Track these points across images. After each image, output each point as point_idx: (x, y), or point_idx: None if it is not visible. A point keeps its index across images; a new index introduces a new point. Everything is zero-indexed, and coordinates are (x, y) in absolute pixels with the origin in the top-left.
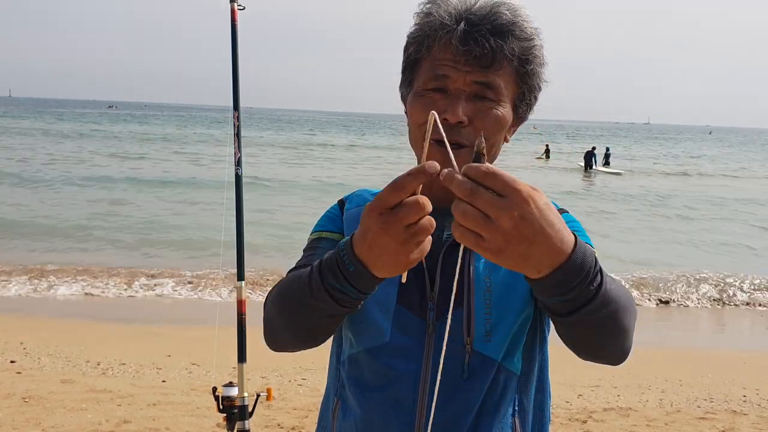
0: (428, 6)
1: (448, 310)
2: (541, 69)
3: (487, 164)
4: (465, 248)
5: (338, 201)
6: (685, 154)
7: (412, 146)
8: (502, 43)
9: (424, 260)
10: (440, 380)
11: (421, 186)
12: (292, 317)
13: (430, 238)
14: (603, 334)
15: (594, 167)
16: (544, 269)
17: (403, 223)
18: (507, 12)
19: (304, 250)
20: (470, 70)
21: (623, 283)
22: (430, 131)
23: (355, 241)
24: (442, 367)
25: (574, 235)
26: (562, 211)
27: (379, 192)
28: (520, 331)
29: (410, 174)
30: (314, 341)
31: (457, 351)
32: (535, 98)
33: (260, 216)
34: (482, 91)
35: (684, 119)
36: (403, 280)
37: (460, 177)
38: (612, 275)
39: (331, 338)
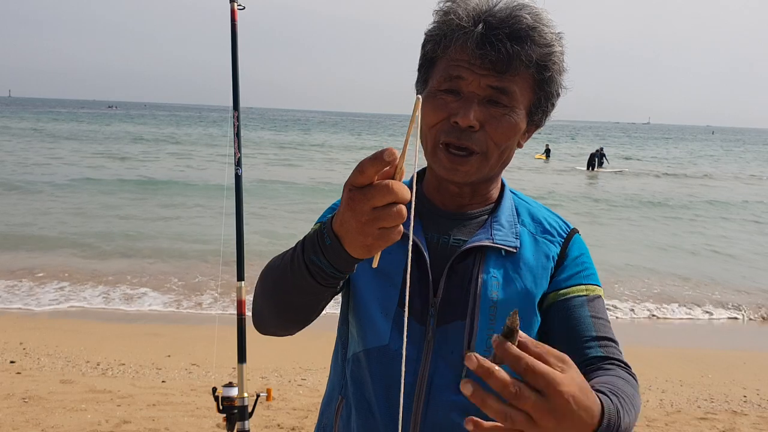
0: (448, 4)
1: (449, 319)
2: (560, 76)
3: (527, 358)
4: (475, 260)
5: None
6: (692, 154)
7: (422, 142)
8: (519, 49)
9: (429, 265)
10: (438, 390)
11: (403, 174)
12: (273, 293)
13: (400, 228)
14: None
15: (595, 168)
16: None
17: (369, 203)
18: (528, 16)
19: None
20: (485, 73)
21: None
22: (416, 117)
23: (334, 215)
24: (441, 378)
25: (601, 401)
26: (573, 232)
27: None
28: None
29: (371, 158)
30: (295, 321)
31: (456, 363)
32: (552, 105)
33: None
34: (496, 96)
35: (684, 119)
36: (374, 264)
37: (502, 375)
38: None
39: (335, 336)
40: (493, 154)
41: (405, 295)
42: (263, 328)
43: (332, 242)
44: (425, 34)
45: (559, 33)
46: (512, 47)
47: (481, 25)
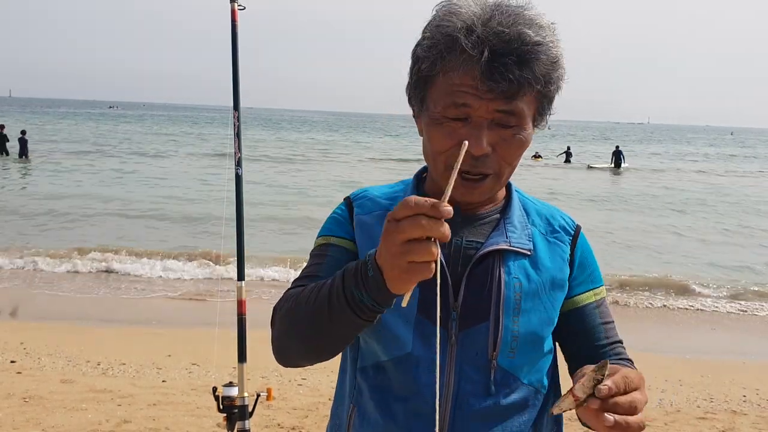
0: (441, 21)
1: (472, 322)
2: (562, 81)
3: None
4: (494, 261)
5: (345, 199)
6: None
7: (426, 161)
8: (528, 75)
9: (447, 269)
10: (466, 394)
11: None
12: (306, 332)
13: (432, 266)
14: None
15: (622, 166)
16: None
17: (401, 236)
18: (530, 31)
19: (310, 255)
20: (493, 98)
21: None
22: (459, 163)
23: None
24: (468, 382)
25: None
26: (578, 229)
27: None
28: (546, 351)
29: (425, 201)
30: (327, 355)
31: (483, 366)
32: (553, 103)
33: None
34: (505, 119)
35: (682, 119)
36: (403, 303)
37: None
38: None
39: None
40: (506, 172)
41: (425, 302)
42: (288, 362)
43: (374, 273)
44: (418, 48)
45: (551, 24)
46: (521, 74)
47: (486, 53)
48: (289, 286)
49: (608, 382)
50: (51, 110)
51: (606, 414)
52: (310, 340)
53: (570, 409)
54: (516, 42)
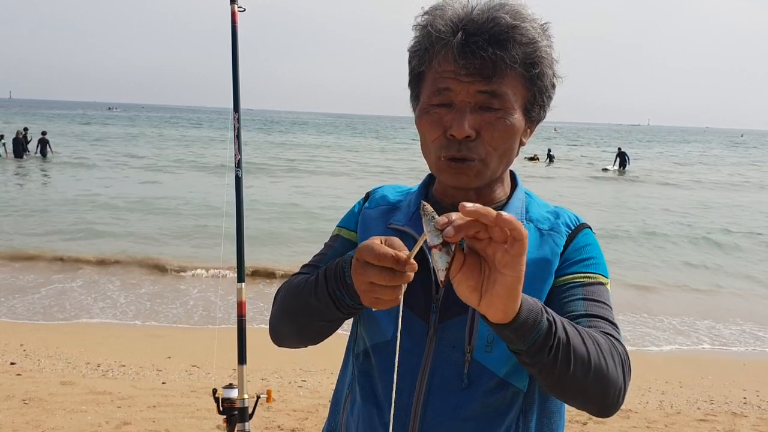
0: (425, 18)
1: (450, 315)
2: (550, 69)
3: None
4: None
5: (366, 193)
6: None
7: (424, 156)
8: (502, 53)
9: (431, 260)
10: (439, 386)
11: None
12: (295, 317)
13: (397, 298)
14: (564, 381)
15: (626, 167)
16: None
17: (366, 278)
18: (506, 16)
19: (325, 243)
20: (472, 80)
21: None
22: (421, 242)
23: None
24: (442, 374)
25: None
26: (583, 225)
27: (370, 240)
28: None
29: (391, 255)
30: (313, 341)
31: (458, 359)
32: (549, 98)
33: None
34: (488, 101)
35: (682, 121)
36: (374, 308)
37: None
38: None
39: (335, 337)
40: (493, 159)
41: (408, 293)
42: (280, 342)
43: (351, 282)
44: (408, 50)
45: (543, 25)
46: (494, 52)
47: (460, 34)
48: (297, 270)
49: (449, 215)
50: (41, 112)
51: (482, 210)
52: (299, 326)
53: (450, 263)
54: (490, 23)
